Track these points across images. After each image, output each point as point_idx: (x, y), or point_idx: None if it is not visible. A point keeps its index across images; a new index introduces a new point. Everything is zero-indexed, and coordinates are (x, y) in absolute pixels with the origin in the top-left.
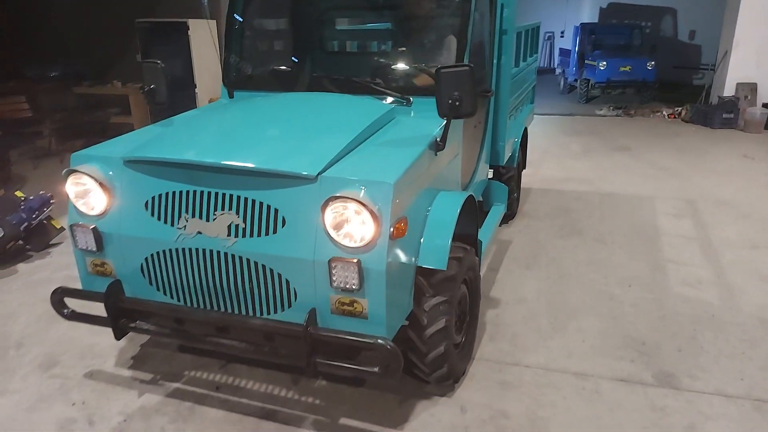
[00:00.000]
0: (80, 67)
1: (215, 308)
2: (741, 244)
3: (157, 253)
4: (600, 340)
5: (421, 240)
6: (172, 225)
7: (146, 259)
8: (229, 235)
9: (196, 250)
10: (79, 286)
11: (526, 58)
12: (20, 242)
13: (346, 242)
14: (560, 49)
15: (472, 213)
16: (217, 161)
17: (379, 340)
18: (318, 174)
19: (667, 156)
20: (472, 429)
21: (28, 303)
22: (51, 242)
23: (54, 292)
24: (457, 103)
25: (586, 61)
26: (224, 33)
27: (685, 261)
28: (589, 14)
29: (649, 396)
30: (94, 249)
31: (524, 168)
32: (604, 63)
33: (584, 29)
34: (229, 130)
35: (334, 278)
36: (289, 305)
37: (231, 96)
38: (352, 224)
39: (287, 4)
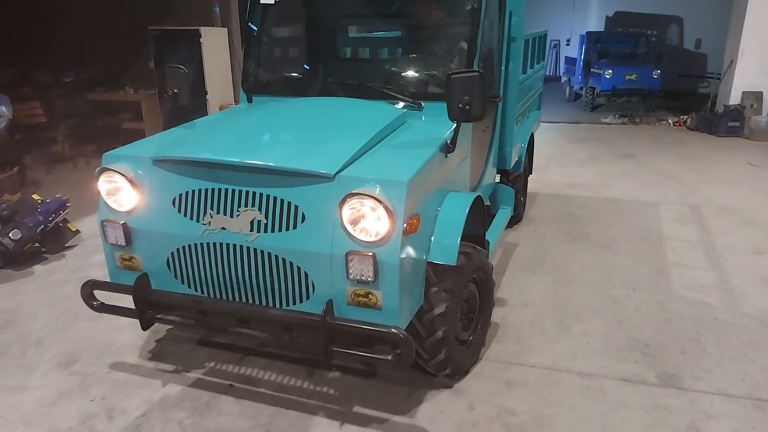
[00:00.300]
0: (93, 73)
1: (237, 300)
2: (744, 250)
3: (183, 247)
4: (604, 342)
5: (432, 237)
6: (198, 221)
7: (172, 253)
8: (251, 230)
9: (220, 244)
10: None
11: (534, 65)
12: (36, 244)
13: (362, 237)
14: (566, 57)
15: (480, 214)
16: (241, 160)
17: (393, 330)
18: (336, 173)
19: (672, 163)
20: (479, 425)
21: (46, 303)
22: (66, 245)
23: (84, 285)
24: (467, 107)
25: (591, 70)
26: (242, 41)
27: (689, 265)
28: (595, 23)
29: (652, 395)
30: (123, 244)
31: (531, 173)
32: (610, 71)
33: (590, 38)
34: (252, 131)
35: (350, 271)
36: (308, 297)
37: (249, 100)
38: (368, 220)
39: (302, 14)
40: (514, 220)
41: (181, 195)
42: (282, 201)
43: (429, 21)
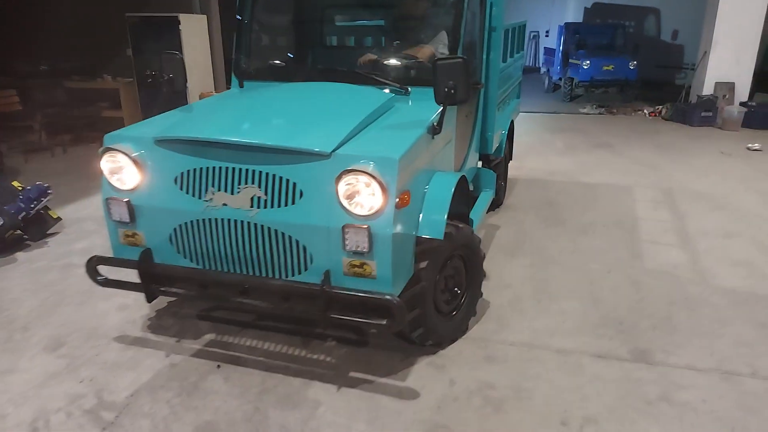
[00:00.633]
0: (71, 61)
1: (238, 273)
2: (715, 233)
3: (186, 223)
4: (581, 320)
5: (420, 214)
6: (200, 198)
7: (175, 229)
8: (251, 206)
9: (222, 220)
10: (79, 272)
11: (513, 55)
12: (18, 232)
13: (357, 211)
14: (545, 48)
15: (465, 194)
16: (241, 139)
17: (387, 296)
18: (332, 151)
19: (647, 152)
20: (461, 399)
21: (31, 289)
22: (48, 232)
23: (89, 261)
24: (452, 91)
25: (570, 60)
26: (236, 28)
27: (662, 248)
28: (573, 14)
29: (625, 369)
30: (127, 220)
31: (510, 159)
32: (588, 62)
33: (568, 29)
34: (250, 112)
35: (347, 242)
36: (306, 268)
37: (241, 86)
38: (363, 195)
39: (292, 2)
40: (495, 204)
41: (183, 173)
42: (281, 178)
43: (416, 12)
